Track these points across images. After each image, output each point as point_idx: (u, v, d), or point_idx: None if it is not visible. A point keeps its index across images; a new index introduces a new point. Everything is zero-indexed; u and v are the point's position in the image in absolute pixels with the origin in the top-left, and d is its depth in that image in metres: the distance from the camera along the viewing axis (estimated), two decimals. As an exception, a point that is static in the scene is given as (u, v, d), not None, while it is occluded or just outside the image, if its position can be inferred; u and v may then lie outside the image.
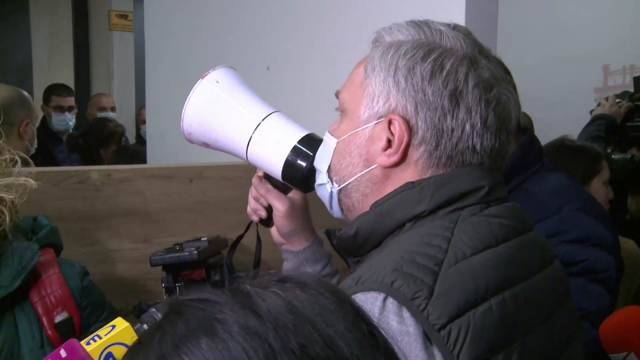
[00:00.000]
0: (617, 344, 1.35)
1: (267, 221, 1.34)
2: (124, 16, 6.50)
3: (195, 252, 1.50)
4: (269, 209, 1.31)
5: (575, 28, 4.30)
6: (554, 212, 1.64)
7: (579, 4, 4.38)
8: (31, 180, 1.29)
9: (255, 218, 1.35)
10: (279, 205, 1.28)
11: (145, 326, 1.09)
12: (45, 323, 1.29)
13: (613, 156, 2.54)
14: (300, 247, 1.31)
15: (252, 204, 1.34)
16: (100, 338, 0.94)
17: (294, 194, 1.30)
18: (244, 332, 0.52)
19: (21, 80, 6.29)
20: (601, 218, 1.69)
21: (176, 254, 1.50)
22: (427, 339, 0.80)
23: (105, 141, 4.02)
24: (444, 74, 0.94)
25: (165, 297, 1.56)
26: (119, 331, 0.96)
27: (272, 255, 1.47)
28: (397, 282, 0.82)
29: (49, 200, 1.60)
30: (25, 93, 2.59)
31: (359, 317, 0.59)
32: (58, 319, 1.30)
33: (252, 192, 1.33)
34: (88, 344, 0.93)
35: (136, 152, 3.80)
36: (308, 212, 1.33)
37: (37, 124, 2.71)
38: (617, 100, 3.08)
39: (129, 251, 1.75)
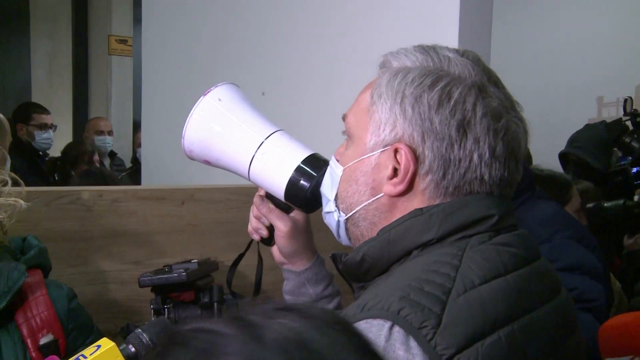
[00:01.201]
0: (620, 347, 1.29)
1: (269, 240, 1.31)
2: (123, 41, 6.55)
3: (184, 273, 1.50)
4: (271, 228, 1.29)
5: (569, 59, 4.35)
6: (544, 240, 1.64)
7: (574, 35, 4.44)
8: (21, 201, 1.29)
9: (256, 237, 1.32)
10: (281, 226, 1.26)
11: (131, 347, 1.08)
12: (30, 345, 1.27)
13: (605, 204, 2.55)
14: (302, 268, 1.29)
15: (253, 223, 1.32)
16: (85, 358, 0.94)
17: (296, 213, 1.28)
18: None
19: (20, 101, 6.31)
20: (592, 247, 1.69)
21: (165, 276, 1.50)
22: None
23: (74, 162, 4.01)
24: (451, 103, 0.93)
25: (153, 318, 1.55)
26: (104, 351, 0.95)
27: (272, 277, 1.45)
28: (404, 310, 0.81)
29: (40, 220, 1.59)
30: (1, 116, 2.58)
31: (369, 350, 0.57)
32: (43, 341, 1.28)
33: (254, 210, 1.31)
34: (73, 363, 0.93)
35: (102, 175, 3.74)
36: (310, 232, 1.31)
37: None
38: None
39: (119, 272, 1.74)
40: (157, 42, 3.28)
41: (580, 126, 3.75)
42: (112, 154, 4.74)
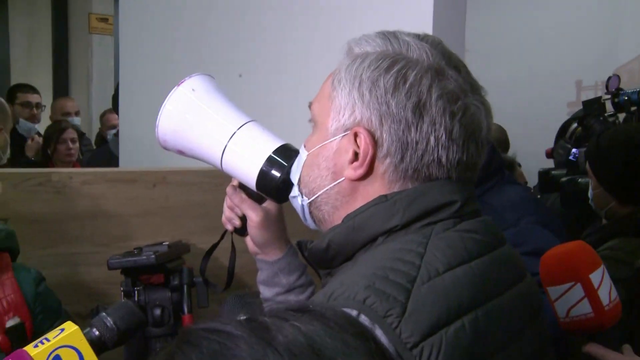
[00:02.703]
0: (560, 274, 1.26)
1: (242, 230, 1.32)
2: (104, 19, 6.48)
3: (152, 256, 1.50)
4: (244, 219, 1.30)
5: (547, 44, 4.36)
6: (511, 224, 1.65)
7: (552, 20, 4.45)
8: None
9: (229, 227, 1.33)
10: (253, 216, 1.26)
11: (95, 330, 1.09)
12: None
13: (579, 180, 2.57)
14: (274, 258, 1.29)
15: (226, 213, 1.32)
16: (48, 341, 0.95)
17: (269, 204, 1.28)
18: None
19: (-1, 80, 6.26)
20: (557, 232, 1.71)
21: (133, 258, 1.51)
22: (400, 357, 0.79)
23: (48, 143, 3.98)
24: (407, 86, 0.93)
25: (123, 300, 1.56)
26: (67, 334, 0.96)
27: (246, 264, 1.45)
28: (370, 299, 0.81)
29: (8, 202, 1.59)
30: (2, 100, 2.58)
31: (381, 353, 0.56)
32: (9, 323, 1.29)
33: (227, 201, 1.31)
34: (36, 346, 0.93)
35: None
36: (283, 222, 1.31)
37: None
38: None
39: (89, 254, 1.74)
40: (136, 21, 3.25)
41: (559, 110, 3.78)
42: (80, 134, 4.68)
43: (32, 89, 4.41)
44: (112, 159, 3.34)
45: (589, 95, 4.15)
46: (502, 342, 0.90)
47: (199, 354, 0.52)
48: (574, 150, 3.12)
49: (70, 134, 3.98)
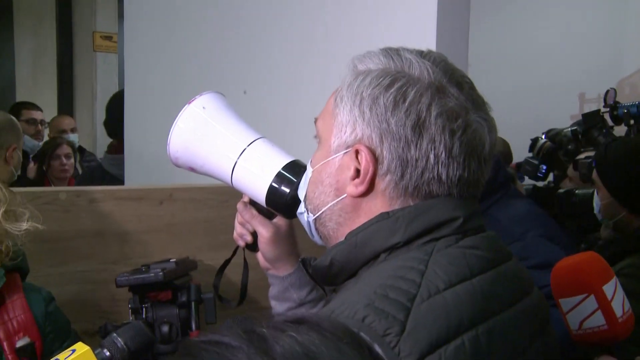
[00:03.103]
0: (573, 286, 1.26)
1: (254, 246, 1.33)
2: (108, 37, 6.52)
3: (160, 273, 1.51)
4: (255, 234, 1.31)
5: (550, 56, 4.37)
6: (517, 238, 1.66)
7: (554, 32, 4.46)
8: (37, 225, 1.31)
9: (241, 243, 1.33)
10: (264, 232, 1.27)
11: (105, 351, 1.10)
12: (6, 347, 1.29)
13: (577, 191, 2.58)
14: (285, 273, 1.29)
15: (237, 229, 1.33)
16: (59, 361, 0.95)
17: (279, 219, 1.29)
18: None
19: (4, 100, 6.28)
20: (563, 245, 1.71)
21: (141, 276, 1.51)
22: None
23: (41, 158, 3.99)
24: (406, 104, 0.93)
25: (131, 318, 1.56)
26: (79, 355, 0.97)
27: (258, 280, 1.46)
28: (369, 317, 0.81)
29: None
30: (14, 118, 2.59)
31: None
32: (19, 343, 1.30)
33: (238, 217, 1.32)
34: (48, 366, 0.94)
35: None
36: (294, 237, 1.32)
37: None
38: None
39: (97, 272, 1.75)
40: (140, 39, 3.28)
41: (562, 123, 3.78)
42: (82, 150, 4.67)
43: (36, 107, 4.43)
44: (105, 178, 3.32)
45: (592, 107, 4.16)
46: (505, 359, 0.89)
47: None
48: (542, 166, 3.15)
49: (65, 150, 3.99)
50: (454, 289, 0.87)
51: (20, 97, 6.36)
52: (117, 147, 3.41)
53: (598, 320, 1.24)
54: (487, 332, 0.87)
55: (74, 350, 0.97)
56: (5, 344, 1.29)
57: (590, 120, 3.06)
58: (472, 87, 1.01)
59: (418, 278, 0.87)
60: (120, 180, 3.24)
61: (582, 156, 2.90)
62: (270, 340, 0.53)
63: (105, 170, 3.39)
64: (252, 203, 1.30)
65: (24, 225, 1.30)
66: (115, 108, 3.43)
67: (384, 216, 0.96)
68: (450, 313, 0.84)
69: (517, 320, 0.94)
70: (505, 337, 0.90)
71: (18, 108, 4.34)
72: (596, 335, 1.25)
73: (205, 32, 2.86)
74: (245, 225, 1.31)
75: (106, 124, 3.70)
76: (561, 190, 2.65)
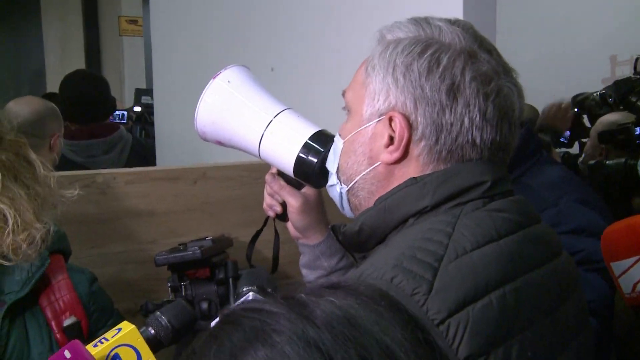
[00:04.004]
0: (624, 249, 1.25)
1: (283, 216, 1.35)
2: (133, 21, 6.56)
3: (198, 251, 1.54)
4: (284, 205, 1.33)
5: (580, 18, 4.28)
6: (551, 204, 1.65)
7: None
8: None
9: (271, 213, 1.36)
10: (293, 201, 1.29)
11: (150, 329, 1.13)
12: (54, 327, 1.33)
13: (607, 162, 2.54)
14: (316, 241, 1.31)
15: (267, 200, 1.35)
16: (107, 340, 0.98)
17: (308, 189, 1.31)
18: (303, 342, 0.52)
19: (35, 86, 6.37)
20: (598, 209, 1.69)
21: (180, 254, 1.54)
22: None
23: None
24: (440, 69, 0.94)
25: (171, 296, 1.59)
26: (124, 333, 0.99)
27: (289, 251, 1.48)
28: (397, 278, 0.83)
29: (57, 203, 1.63)
30: (55, 106, 2.59)
31: (415, 324, 0.58)
32: (66, 322, 1.34)
33: (267, 188, 1.34)
34: (95, 346, 0.97)
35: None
36: (322, 206, 1.33)
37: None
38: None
39: (136, 252, 1.79)
40: (166, 21, 3.30)
41: (593, 88, 3.71)
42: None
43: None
44: (66, 165, 2.85)
45: (625, 70, 4.07)
46: (532, 318, 0.90)
47: (241, 331, 0.54)
48: (566, 132, 3.10)
49: None
50: (481, 250, 0.88)
51: (50, 85, 6.44)
52: (75, 133, 3.03)
53: None
54: (515, 291, 0.88)
55: (120, 329, 0.99)
56: (53, 323, 1.33)
57: (625, 86, 3.00)
58: (499, 54, 1.02)
59: (445, 239, 0.88)
60: (86, 168, 2.83)
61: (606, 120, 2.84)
62: (310, 305, 0.54)
63: (68, 158, 2.94)
64: (280, 174, 1.32)
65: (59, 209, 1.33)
66: (69, 89, 3.16)
67: (412, 181, 0.97)
68: (478, 273, 0.86)
69: (545, 281, 0.95)
70: (532, 296, 0.91)
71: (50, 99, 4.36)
72: None
73: (230, 11, 2.86)
74: (275, 196, 1.33)
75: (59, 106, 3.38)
76: (591, 162, 2.61)
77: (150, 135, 3.89)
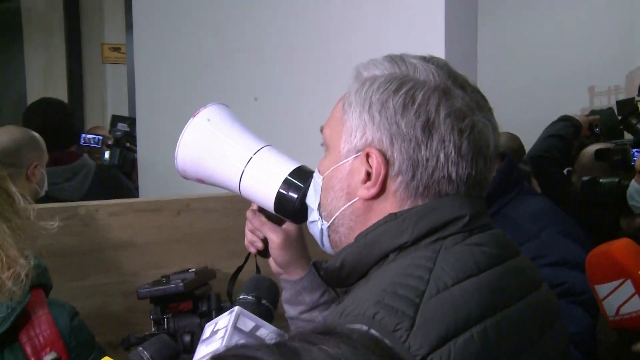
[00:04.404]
0: (608, 271, 1.25)
1: (265, 252, 1.34)
2: (116, 49, 6.55)
3: (181, 284, 1.53)
4: (265, 241, 1.32)
5: (559, 50, 4.36)
6: (533, 236, 1.66)
7: (563, 25, 4.45)
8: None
9: (252, 250, 1.35)
10: (274, 237, 1.29)
11: None
12: None
13: (601, 180, 2.57)
14: (297, 277, 1.31)
15: (248, 237, 1.35)
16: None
17: (289, 225, 1.30)
18: None
19: (17, 114, 6.32)
20: (580, 241, 1.71)
21: (162, 287, 1.53)
22: None
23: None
24: (415, 106, 0.96)
25: (153, 329, 1.58)
26: (106, 370, 0.98)
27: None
28: (379, 314, 0.83)
29: (38, 237, 1.62)
30: (37, 135, 2.53)
31: None
32: (47, 358, 1.31)
33: (248, 225, 1.34)
34: (76, 382, 0.96)
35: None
36: (304, 241, 1.33)
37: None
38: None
39: (118, 284, 1.77)
40: (150, 49, 3.30)
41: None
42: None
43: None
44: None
45: (603, 100, 4.15)
46: (514, 351, 0.91)
47: None
48: None
49: None
50: (462, 285, 0.89)
51: (32, 111, 6.39)
52: None
53: (636, 305, 1.24)
54: (496, 325, 0.88)
55: (100, 366, 0.99)
56: (33, 359, 1.31)
57: (627, 108, 3.06)
58: (474, 89, 1.03)
59: (426, 275, 0.88)
60: (47, 195, 2.65)
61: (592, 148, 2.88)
62: (302, 354, 0.53)
63: None
64: (261, 210, 1.32)
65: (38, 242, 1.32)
66: (32, 116, 3.13)
67: (392, 217, 0.98)
68: (459, 308, 0.86)
69: (525, 314, 0.95)
70: (513, 330, 0.91)
71: None
72: (634, 320, 1.25)
73: (214, 41, 2.88)
74: (256, 232, 1.33)
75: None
76: (585, 178, 2.64)
77: (127, 161, 3.85)
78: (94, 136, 4.11)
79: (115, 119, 4.30)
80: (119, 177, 3.35)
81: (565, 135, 3.00)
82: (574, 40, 4.37)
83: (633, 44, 4.29)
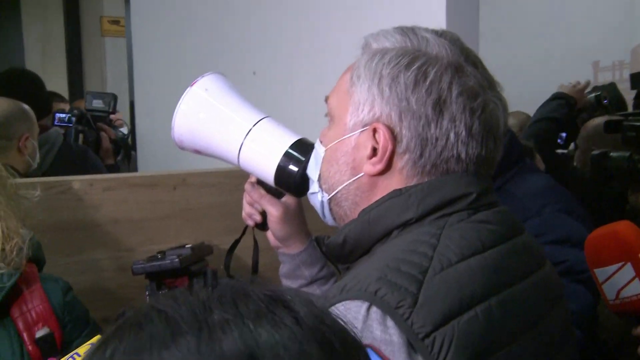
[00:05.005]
0: (608, 255, 1.23)
1: (263, 225, 1.33)
2: (115, 22, 6.49)
3: (176, 260, 1.51)
4: (264, 214, 1.31)
5: (563, 24, 4.31)
6: (535, 213, 1.64)
7: (566, 1, 4.39)
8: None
9: (250, 223, 1.34)
10: (273, 211, 1.27)
11: None
12: (26, 338, 1.29)
13: (611, 154, 2.53)
14: (296, 250, 1.30)
15: (246, 209, 1.34)
16: (79, 356, 0.96)
17: (288, 198, 1.29)
18: None
19: (15, 87, 6.28)
20: (582, 219, 1.69)
21: (157, 263, 1.52)
22: (412, 348, 0.79)
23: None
24: (427, 83, 0.93)
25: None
26: (98, 348, 0.96)
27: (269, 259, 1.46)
28: (381, 290, 0.81)
29: (31, 210, 1.60)
30: (26, 106, 2.49)
31: None
32: (39, 334, 1.30)
33: (246, 197, 1.33)
34: (68, 361, 0.94)
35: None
36: (303, 215, 1.32)
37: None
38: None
39: (113, 260, 1.76)
40: (147, 22, 3.27)
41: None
42: None
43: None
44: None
45: (607, 76, 4.10)
46: (518, 330, 0.90)
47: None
48: (562, 134, 3.11)
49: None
50: (467, 262, 0.87)
51: (30, 85, 6.36)
52: None
53: (636, 288, 1.23)
54: (500, 303, 0.87)
55: (92, 345, 0.97)
56: (25, 334, 1.29)
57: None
58: (484, 67, 1.01)
59: (430, 251, 0.87)
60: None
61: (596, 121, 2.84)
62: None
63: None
64: (260, 183, 1.30)
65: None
66: (5, 87, 2.95)
67: (396, 193, 0.96)
68: (463, 285, 0.85)
69: (530, 292, 0.95)
70: (517, 309, 0.91)
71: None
72: (633, 304, 1.23)
73: (212, 14, 2.84)
74: (254, 205, 1.32)
75: None
76: (595, 152, 2.60)
77: (89, 140, 3.71)
78: (65, 115, 3.99)
79: (92, 96, 4.15)
80: (87, 154, 3.17)
81: (559, 116, 2.96)
82: (577, 14, 4.31)
83: (637, 17, 4.23)
